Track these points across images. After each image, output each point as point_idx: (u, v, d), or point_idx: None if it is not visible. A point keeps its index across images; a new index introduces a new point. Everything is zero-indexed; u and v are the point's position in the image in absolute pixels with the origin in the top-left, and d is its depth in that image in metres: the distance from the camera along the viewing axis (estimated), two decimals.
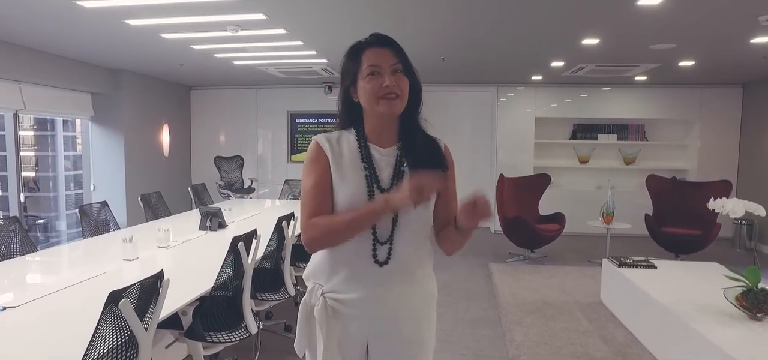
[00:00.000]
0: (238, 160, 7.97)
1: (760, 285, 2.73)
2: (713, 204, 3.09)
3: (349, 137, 1.40)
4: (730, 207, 2.93)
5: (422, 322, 1.40)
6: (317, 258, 1.41)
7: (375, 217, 1.28)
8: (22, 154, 5.45)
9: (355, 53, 1.37)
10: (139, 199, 4.47)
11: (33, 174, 8.75)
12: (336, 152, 1.37)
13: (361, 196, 1.32)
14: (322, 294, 1.37)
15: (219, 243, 3.42)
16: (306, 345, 1.40)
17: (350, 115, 1.41)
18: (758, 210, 2.79)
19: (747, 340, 2.58)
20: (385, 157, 1.37)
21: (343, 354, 1.36)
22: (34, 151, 8.91)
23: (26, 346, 1.71)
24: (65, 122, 8.53)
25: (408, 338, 1.38)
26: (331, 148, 1.37)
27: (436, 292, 1.47)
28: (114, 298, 1.53)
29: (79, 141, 7.44)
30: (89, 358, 1.47)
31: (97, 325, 1.51)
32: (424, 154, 1.36)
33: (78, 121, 7.04)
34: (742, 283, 2.78)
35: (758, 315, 2.69)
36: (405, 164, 1.36)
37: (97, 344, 1.51)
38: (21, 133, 5.66)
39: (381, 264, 1.33)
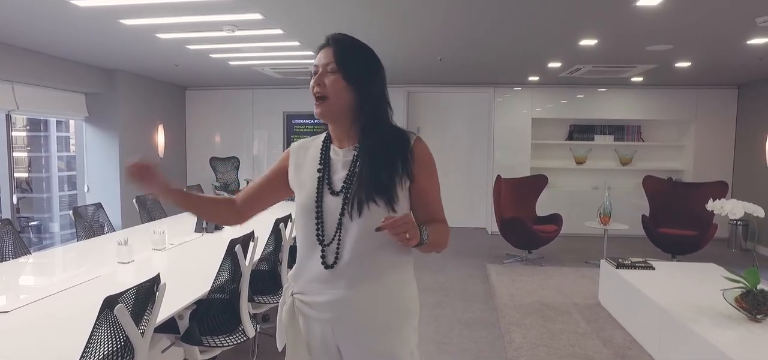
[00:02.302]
0: (234, 161, 7.92)
1: (759, 286, 2.72)
2: (712, 205, 3.09)
3: (319, 139, 1.42)
4: (729, 208, 2.92)
5: (391, 335, 1.32)
6: (296, 258, 1.42)
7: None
8: (14, 154, 5.38)
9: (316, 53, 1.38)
10: (134, 200, 4.43)
11: (26, 175, 8.66)
12: (300, 159, 1.41)
13: (310, 198, 1.33)
14: (291, 294, 1.38)
15: (215, 245, 3.38)
16: (282, 342, 1.43)
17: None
18: (757, 211, 2.79)
19: (747, 341, 2.58)
20: (341, 159, 1.35)
21: (314, 357, 1.37)
22: (27, 151, 8.82)
23: (18, 353, 1.67)
24: (59, 123, 8.46)
25: (376, 349, 1.32)
26: (297, 156, 1.42)
27: (412, 305, 1.37)
28: (109, 303, 1.50)
29: (72, 141, 7.38)
30: None
31: (92, 330, 1.48)
32: (380, 151, 1.29)
33: (72, 122, 6.97)
34: (741, 285, 2.77)
35: (758, 316, 2.69)
36: (358, 164, 1.31)
37: (92, 350, 1.47)
38: (13, 133, 5.59)
39: (327, 266, 1.30)
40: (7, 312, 1.96)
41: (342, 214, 1.28)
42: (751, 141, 6.71)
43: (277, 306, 3.09)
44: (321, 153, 1.38)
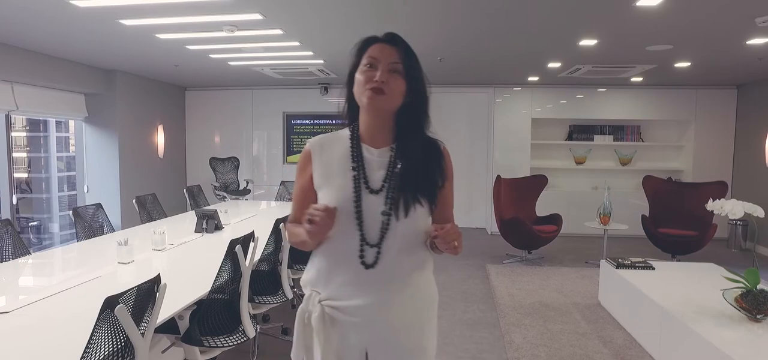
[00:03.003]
0: (234, 162, 7.92)
1: (759, 286, 2.72)
2: (712, 205, 3.08)
3: (343, 137, 1.38)
4: (728, 208, 2.92)
5: (424, 328, 1.37)
6: (314, 264, 1.38)
7: (307, 238, 1.29)
8: (13, 155, 5.37)
9: (361, 46, 1.35)
10: (133, 201, 4.42)
11: (25, 175, 8.66)
12: (325, 156, 1.36)
13: (348, 197, 1.29)
14: (319, 301, 1.33)
15: (215, 245, 3.38)
16: (303, 354, 1.35)
17: (351, 111, 1.39)
18: (757, 211, 2.79)
19: (747, 341, 2.58)
20: (377, 158, 1.33)
21: None
22: (27, 152, 8.82)
23: (18, 353, 1.67)
24: (58, 123, 8.46)
25: (408, 346, 1.34)
26: (320, 153, 1.37)
27: (436, 296, 1.42)
28: (110, 303, 1.50)
29: (72, 142, 7.37)
30: None
31: (93, 331, 1.48)
32: (420, 157, 1.32)
33: (71, 122, 6.96)
34: (741, 285, 2.78)
35: (758, 316, 2.69)
36: (398, 165, 1.31)
37: (92, 351, 1.47)
38: (13, 134, 5.58)
39: (367, 266, 1.29)
40: (7, 312, 1.96)
41: (387, 214, 1.28)
42: (751, 141, 6.71)
43: (277, 306, 3.11)
44: (351, 151, 1.34)
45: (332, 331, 1.32)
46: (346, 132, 1.38)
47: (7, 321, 1.90)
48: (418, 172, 1.31)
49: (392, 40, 1.33)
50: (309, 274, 1.39)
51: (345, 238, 1.29)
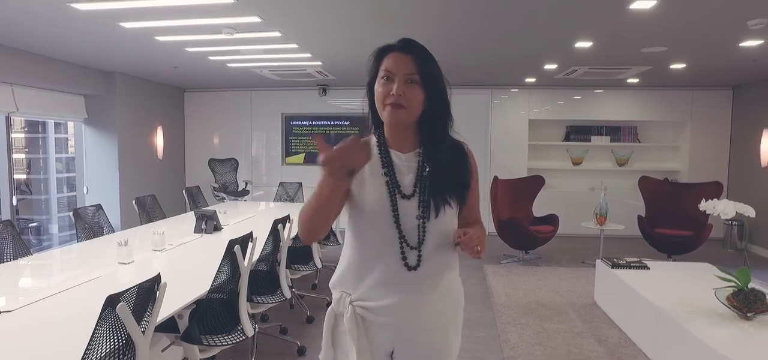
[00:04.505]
0: (233, 163, 7.95)
1: (751, 285, 2.77)
2: (704, 205, 3.13)
3: (371, 142, 1.39)
4: (721, 208, 2.97)
5: (449, 328, 1.40)
6: (344, 265, 1.40)
7: (325, 186, 1.23)
8: (13, 156, 5.40)
9: (378, 56, 1.36)
10: (133, 202, 4.46)
11: (23, 176, 8.68)
12: None
13: (384, 203, 1.32)
14: (350, 302, 1.35)
15: (214, 246, 3.41)
16: (332, 356, 1.39)
17: (375, 119, 1.40)
18: (748, 211, 2.83)
19: (738, 339, 2.62)
20: (405, 163, 1.36)
21: None
22: (25, 153, 8.84)
23: (21, 351, 1.71)
24: (57, 124, 8.48)
25: (435, 345, 1.37)
26: None
27: (462, 297, 1.46)
28: (111, 302, 1.53)
29: (71, 143, 7.40)
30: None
31: (95, 328, 1.51)
32: (446, 160, 1.36)
33: (70, 123, 6.99)
34: (733, 284, 2.82)
35: (749, 314, 2.73)
36: (427, 169, 1.34)
37: (94, 348, 1.50)
38: (11, 135, 5.61)
39: (411, 269, 1.32)
40: (9, 311, 2.00)
41: (422, 217, 1.31)
42: (746, 142, 6.77)
43: (276, 306, 3.15)
44: (381, 158, 1.36)
45: (363, 332, 1.35)
46: (372, 139, 1.40)
47: (9, 320, 1.93)
48: (446, 174, 1.34)
49: (407, 47, 1.33)
50: (338, 275, 1.41)
51: (383, 242, 1.32)
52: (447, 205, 1.33)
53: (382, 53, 1.35)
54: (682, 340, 2.80)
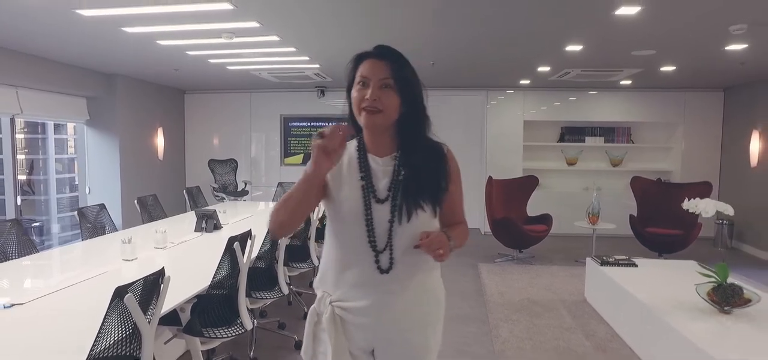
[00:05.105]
0: (232, 163, 8.06)
1: (729, 280, 2.88)
2: (687, 204, 3.25)
3: (351, 146, 1.42)
4: (702, 207, 3.09)
5: (428, 328, 1.43)
6: (325, 265, 1.45)
7: (306, 182, 1.29)
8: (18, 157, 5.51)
9: (354, 62, 1.39)
10: (135, 201, 4.57)
11: (24, 177, 8.79)
12: (336, 166, 1.39)
13: (358, 207, 1.36)
14: (330, 302, 1.40)
15: (214, 244, 3.52)
16: (312, 353, 1.43)
17: (355, 124, 1.42)
18: (727, 209, 2.95)
19: (715, 332, 2.74)
20: (382, 167, 1.39)
21: None
22: (25, 153, 8.94)
23: (34, 339, 1.83)
24: (57, 125, 8.58)
25: (414, 345, 1.41)
26: None
27: (443, 298, 1.49)
28: (120, 293, 1.65)
29: (70, 144, 7.49)
30: (97, 348, 1.59)
31: (104, 318, 1.63)
32: (422, 162, 1.38)
33: (70, 125, 7.09)
34: (713, 279, 2.93)
35: (726, 308, 2.85)
36: (402, 173, 1.37)
37: (104, 336, 1.62)
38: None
39: (383, 271, 1.36)
40: (22, 304, 2.11)
41: (392, 221, 1.34)
42: (737, 142, 6.89)
43: (274, 301, 3.26)
44: (358, 162, 1.40)
45: (341, 331, 1.40)
46: (353, 142, 1.44)
47: (22, 312, 2.05)
48: (421, 178, 1.37)
49: (382, 53, 1.37)
50: (320, 275, 1.46)
51: (358, 245, 1.36)
52: (420, 209, 1.35)
53: (358, 60, 1.38)
54: (664, 334, 2.92)
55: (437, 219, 1.42)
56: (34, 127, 8.72)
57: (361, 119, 1.35)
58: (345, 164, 1.40)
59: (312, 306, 1.45)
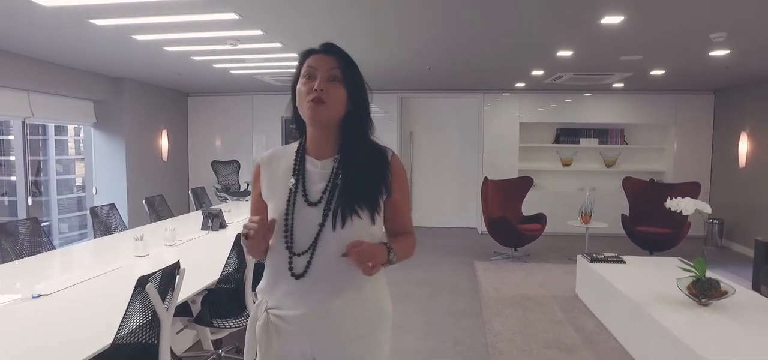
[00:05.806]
0: (235, 164, 8.25)
1: (707, 274, 3.06)
2: (669, 203, 3.43)
3: (291, 150, 1.39)
4: (683, 205, 3.27)
5: (370, 339, 1.35)
6: (265, 270, 1.40)
7: (248, 253, 1.34)
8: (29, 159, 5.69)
9: (301, 58, 1.35)
10: (143, 201, 4.75)
11: (32, 179, 8.95)
12: (272, 170, 1.39)
13: (281, 208, 1.31)
14: (266, 309, 1.34)
15: (220, 241, 3.70)
16: (250, 358, 1.40)
17: (300, 125, 1.39)
18: (705, 208, 3.13)
19: (693, 323, 2.91)
20: (319, 170, 1.33)
21: None
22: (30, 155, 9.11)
23: (61, 325, 2.01)
24: (57, 127, 8.75)
25: (352, 355, 1.34)
26: (268, 167, 1.39)
27: (388, 311, 1.41)
28: (142, 282, 1.83)
29: (70, 145, 7.65)
30: (122, 332, 1.77)
31: (128, 305, 1.81)
32: (363, 166, 1.32)
33: (70, 126, 7.26)
34: (692, 274, 3.11)
35: (703, 301, 3.03)
36: (339, 176, 1.32)
37: (128, 321, 1.80)
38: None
39: (297, 277, 1.29)
40: (47, 295, 2.30)
41: (322, 225, 1.28)
42: (727, 144, 7.07)
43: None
44: (295, 163, 1.35)
45: (276, 339, 1.33)
46: (295, 145, 1.40)
47: (48, 302, 2.24)
48: (359, 182, 1.31)
49: (329, 49, 1.34)
50: (262, 280, 1.40)
51: (281, 250, 1.31)
52: (355, 215, 1.28)
53: (304, 57, 1.34)
54: (647, 326, 3.09)
55: (378, 227, 1.36)
56: (35, 129, 8.89)
57: (307, 111, 1.30)
58: (281, 170, 1.37)
59: (251, 312, 1.41)
